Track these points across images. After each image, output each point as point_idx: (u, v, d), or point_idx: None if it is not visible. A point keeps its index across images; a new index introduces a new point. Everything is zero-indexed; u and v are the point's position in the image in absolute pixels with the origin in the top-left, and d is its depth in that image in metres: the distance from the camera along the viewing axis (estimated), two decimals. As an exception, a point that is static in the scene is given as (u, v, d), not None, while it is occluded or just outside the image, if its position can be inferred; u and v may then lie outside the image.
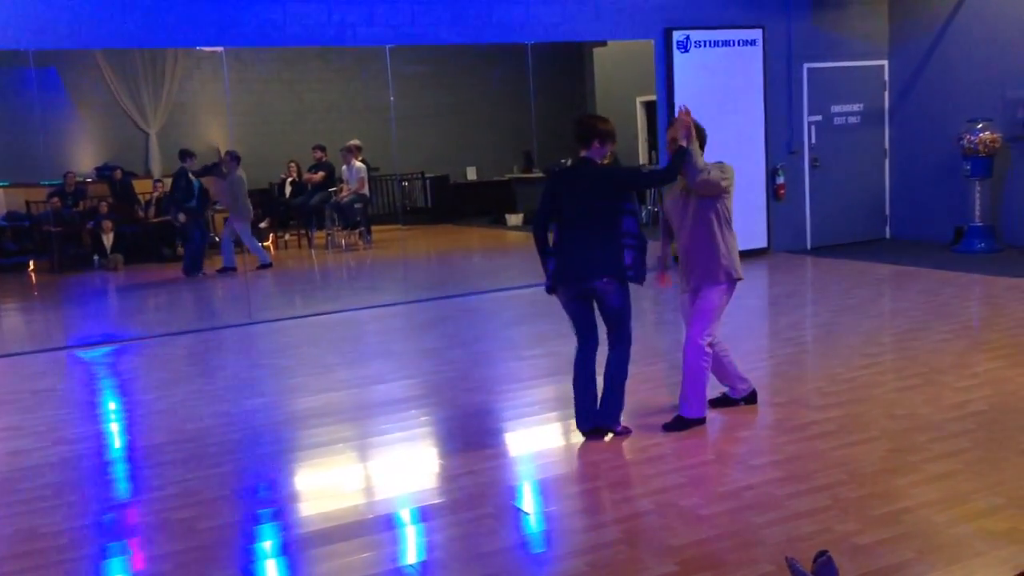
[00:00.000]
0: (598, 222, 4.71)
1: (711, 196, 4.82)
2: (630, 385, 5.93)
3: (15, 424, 5.87)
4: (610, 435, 4.94)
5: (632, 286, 4.83)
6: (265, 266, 11.63)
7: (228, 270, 11.45)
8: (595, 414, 4.94)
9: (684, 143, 4.73)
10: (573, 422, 5.02)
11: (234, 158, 11.39)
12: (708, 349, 4.99)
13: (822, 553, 3.04)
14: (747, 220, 10.90)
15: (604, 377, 4.92)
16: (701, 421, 5.04)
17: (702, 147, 4.87)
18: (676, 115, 4.90)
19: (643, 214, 12.71)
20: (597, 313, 4.92)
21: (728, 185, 4.83)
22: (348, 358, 7.35)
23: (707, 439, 4.93)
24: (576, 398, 4.95)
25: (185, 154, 11.50)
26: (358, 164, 12.62)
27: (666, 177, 4.88)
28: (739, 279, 5.00)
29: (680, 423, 5.02)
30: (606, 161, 4.92)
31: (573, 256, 4.74)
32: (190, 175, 11.54)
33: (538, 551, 3.79)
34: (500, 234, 14.30)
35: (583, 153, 4.80)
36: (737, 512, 3.95)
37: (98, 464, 5.14)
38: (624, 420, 5.34)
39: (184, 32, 8.43)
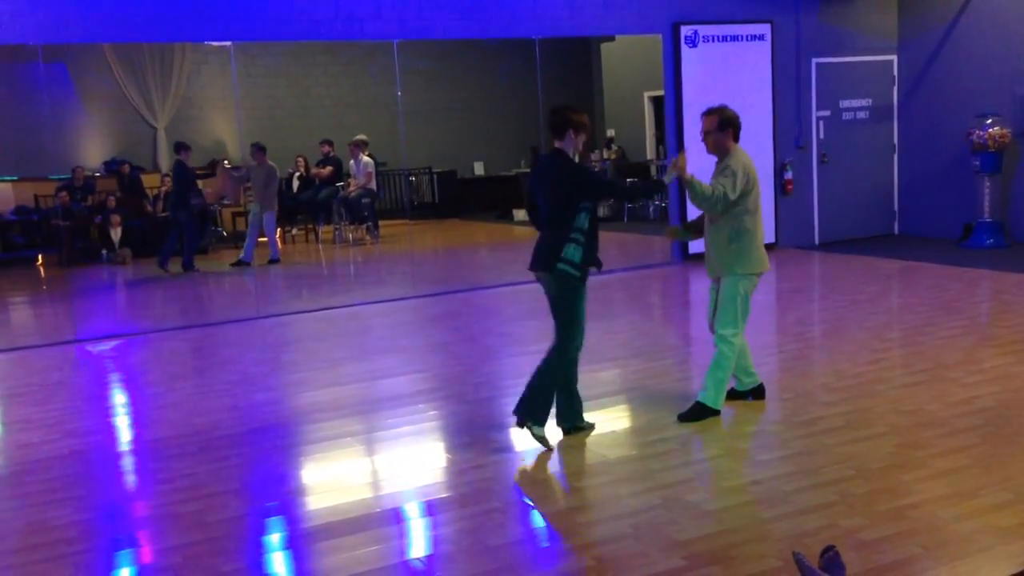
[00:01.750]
0: (558, 216, 4.75)
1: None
2: (638, 379, 5.94)
3: (25, 417, 5.90)
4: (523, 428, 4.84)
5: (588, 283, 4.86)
6: (273, 261, 11.64)
7: (243, 263, 11.45)
8: (570, 414, 4.97)
9: (665, 180, 4.92)
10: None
11: (260, 149, 11.43)
12: (733, 340, 5.02)
13: (829, 548, 3.05)
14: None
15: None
16: (716, 413, 5.06)
17: (736, 135, 4.99)
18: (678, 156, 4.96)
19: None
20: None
21: (739, 194, 4.87)
22: (355, 352, 7.37)
23: (714, 434, 4.93)
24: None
25: (180, 146, 11.51)
26: (365, 159, 12.62)
27: (631, 195, 4.93)
28: (755, 272, 5.03)
29: (697, 409, 5.05)
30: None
31: (535, 246, 4.88)
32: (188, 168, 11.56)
33: (545, 545, 3.80)
34: (507, 229, 14.30)
35: (557, 144, 4.83)
36: (744, 507, 3.95)
37: (107, 457, 5.16)
38: (632, 415, 5.35)
39: (192, 26, 8.44)
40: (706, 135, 5.03)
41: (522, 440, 5.04)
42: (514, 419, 4.86)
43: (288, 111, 14.23)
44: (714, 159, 5.07)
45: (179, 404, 6.01)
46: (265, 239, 11.56)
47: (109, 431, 5.65)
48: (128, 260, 12.17)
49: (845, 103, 11.35)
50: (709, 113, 5.05)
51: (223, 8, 8.47)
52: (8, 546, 3.98)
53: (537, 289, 5.01)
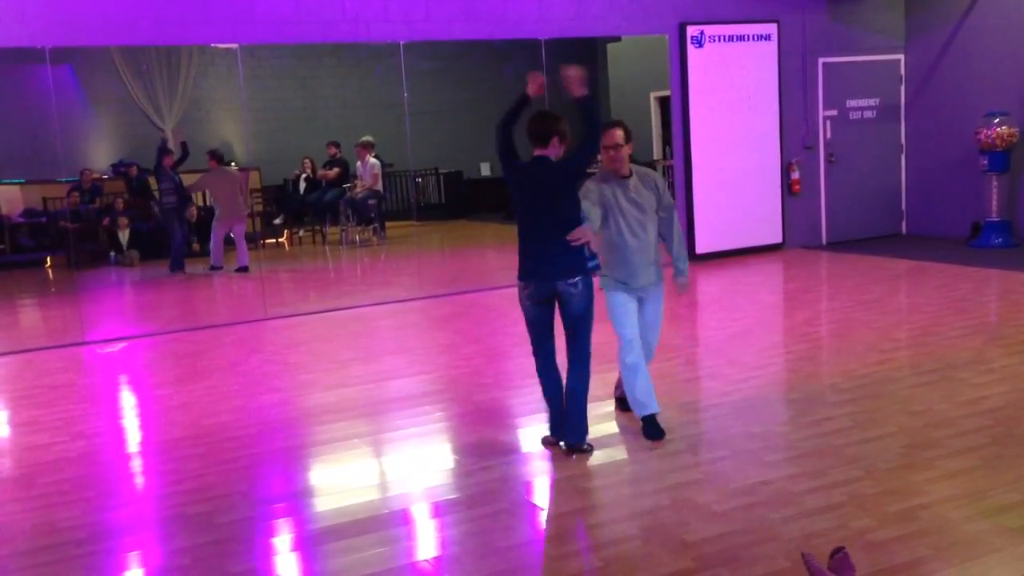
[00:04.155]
0: (563, 220, 4.56)
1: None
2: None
3: (34, 419, 5.91)
4: (577, 453, 4.71)
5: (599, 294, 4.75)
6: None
7: (215, 269, 11.48)
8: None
9: (585, 92, 4.60)
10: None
11: (215, 156, 11.45)
12: None
13: (838, 549, 3.04)
14: (762, 215, 10.88)
15: (567, 395, 4.72)
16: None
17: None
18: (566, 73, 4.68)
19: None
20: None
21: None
22: (362, 354, 7.37)
23: (721, 435, 4.92)
24: (551, 407, 4.80)
25: (162, 150, 11.63)
26: (372, 160, 12.64)
27: (597, 134, 4.60)
28: None
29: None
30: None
31: (538, 256, 4.62)
32: (169, 171, 11.64)
33: (553, 547, 3.79)
34: (513, 230, 14.22)
35: (539, 152, 4.65)
36: (752, 508, 3.94)
37: (116, 459, 5.18)
38: (634, 416, 5.33)
39: (199, 29, 8.47)
40: (617, 147, 4.70)
41: (529, 441, 5.04)
42: (555, 442, 4.79)
43: (294, 113, 14.24)
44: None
45: (187, 405, 6.02)
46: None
47: (118, 432, 5.66)
48: (136, 262, 12.19)
49: (852, 103, 11.33)
50: (614, 126, 4.75)
51: (229, 11, 8.49)
52: (17, 547, 3.99)
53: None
